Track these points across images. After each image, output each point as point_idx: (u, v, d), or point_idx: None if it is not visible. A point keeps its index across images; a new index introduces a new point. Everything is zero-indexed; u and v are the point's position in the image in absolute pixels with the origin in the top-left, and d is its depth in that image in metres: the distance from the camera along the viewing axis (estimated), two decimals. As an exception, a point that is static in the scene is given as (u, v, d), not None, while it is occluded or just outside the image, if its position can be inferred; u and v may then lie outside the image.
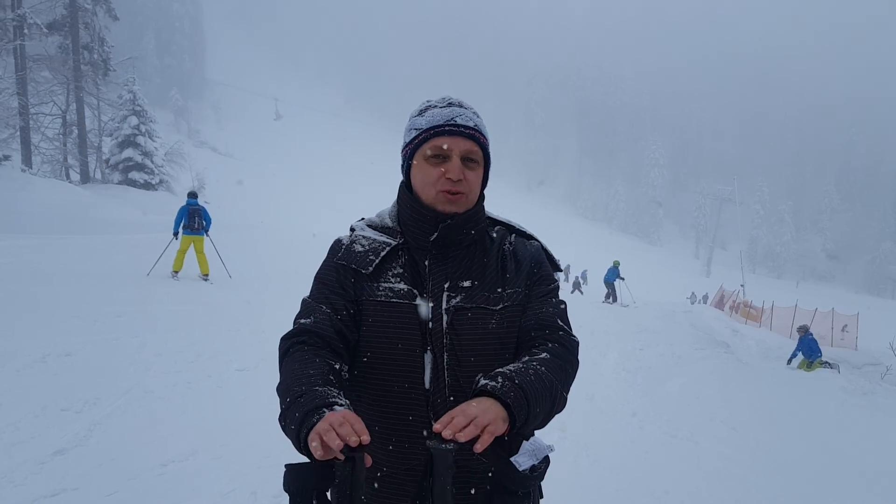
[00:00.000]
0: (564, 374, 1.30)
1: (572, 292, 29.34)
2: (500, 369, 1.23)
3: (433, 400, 1.32)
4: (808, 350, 12.94)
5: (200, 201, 11.94)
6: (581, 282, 32.08)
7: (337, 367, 1.26)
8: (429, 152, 1.34)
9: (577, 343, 1.41)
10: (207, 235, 11.66)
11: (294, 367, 1.21)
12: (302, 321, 1.33)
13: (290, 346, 1.29)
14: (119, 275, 11.06)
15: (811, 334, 13.23)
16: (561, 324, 1.41)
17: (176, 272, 11.05)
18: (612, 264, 21.60)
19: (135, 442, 4.26)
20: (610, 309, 18.46)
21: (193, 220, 11.36)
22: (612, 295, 21.03)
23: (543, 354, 1.30)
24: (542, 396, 1.20)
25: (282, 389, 1.19)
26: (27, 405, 4.60)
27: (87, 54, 27.51)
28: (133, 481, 3.68)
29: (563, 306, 1.47)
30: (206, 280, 11.37)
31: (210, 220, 11.78)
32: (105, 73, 28.84)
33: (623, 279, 21.05)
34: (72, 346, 6.16)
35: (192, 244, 11.34)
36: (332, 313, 1.34)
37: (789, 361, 13.14)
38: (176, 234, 11.33)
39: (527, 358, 1.29)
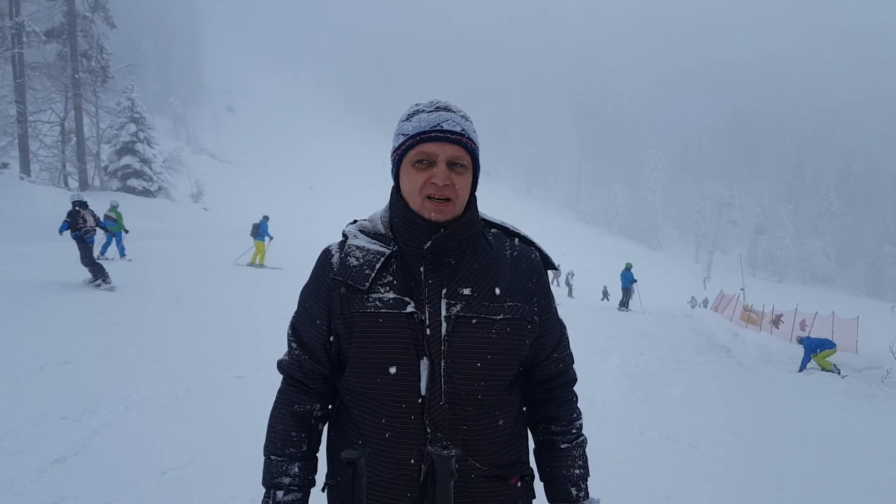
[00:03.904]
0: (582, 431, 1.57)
1: (569, 295, 29.26)
2: (570, 475, 1.48)
3: (429, 407, 1.32)
4: (821, 345, 12.59)
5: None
6: (570, 284, 31.82)
7: (309, 409, 1.46)
8: (415, 158, 1.34)
9: (576, 381, 1.61)
10: (270, 238, 17.42)
11: (270, 424, 1.47)
12: (289, 364, 1.48)
13: (279, 391, 1.49)
14: (116, 279, 11.08)
15: (807, 338, 12.98)
16: (571, 368, 1.60)
17: (251, 264, 16.70)
18: (624, 267, 20.85)
19: (134, 450, 4.25)
20: (610, 313, 18.40)
21: (259, 230, 17.31)
22: (626, 302, 20.23)
23: (573, 431, 1.52)
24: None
25: (265, 440, 1.46)
26: (26, 413, 4.60)
27: (85, 62, 27.53)
28: (132, 489, 3.67)
29: (563, 325, 1.61)
30: (261, 268, 16.49)
31: (266, 228, 17.40)
32: (104, 81, 28.88)
33: (636, 281, 20.37)
34: (71, 355, 6.15)
35: (257, 245, 17.23)
36: (314, 349, 1.44)
37: (801, 369, 12.82)
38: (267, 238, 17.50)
39: (566, 446, 1.50)
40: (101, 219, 13.22)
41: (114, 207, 15.48)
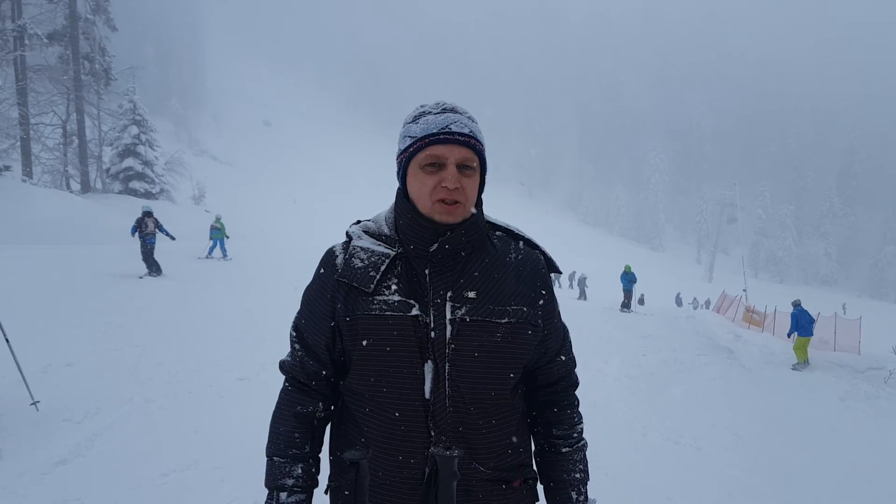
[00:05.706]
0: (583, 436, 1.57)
1: (578, 298, 29.17)
2: (571, 479, 1.48)
3: (433, 410, 1.31)
4: (797, 323, 12.66)
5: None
6: (585, 287, 31.78)
7: (312, 410, 1.44)
8: (424, 161, 1.32)
9: (578, 385, 1.60)
10: None
11: (272, 425, 1.46)
12: (292, 365, 1.47)
13: (281, 392, 1.48)
14: (119, 284, 11.12)
15: (799, 306, 13.01)
16: (574, 372, 1.58)
17: None
18: (623, 269, 20.95)
19: (136, 452, 4.25)
20: (612, 315, 18.37)
21: None
22: (628, 303, 20.28)
23: (574, 435, 1.52)
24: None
25: (268, 441, 1.45)
26: (28, 415, 4.59)
27: (87, 64, 27.58)
28: (134, 491, 3.68)
29: (566, 328, 1.59)
30: None
31: None
32: (106, 83, 28.93)
33: (635, 282, 20.46)
34: (73, 357, 6.16)
35: None
36: (317, 350, 1.43)
37: (789, 335, 13.17)
38: None
39: (567, 450, 1.50)
40: (209, 229, 18.53)
41: (218, 219, 18.76)
